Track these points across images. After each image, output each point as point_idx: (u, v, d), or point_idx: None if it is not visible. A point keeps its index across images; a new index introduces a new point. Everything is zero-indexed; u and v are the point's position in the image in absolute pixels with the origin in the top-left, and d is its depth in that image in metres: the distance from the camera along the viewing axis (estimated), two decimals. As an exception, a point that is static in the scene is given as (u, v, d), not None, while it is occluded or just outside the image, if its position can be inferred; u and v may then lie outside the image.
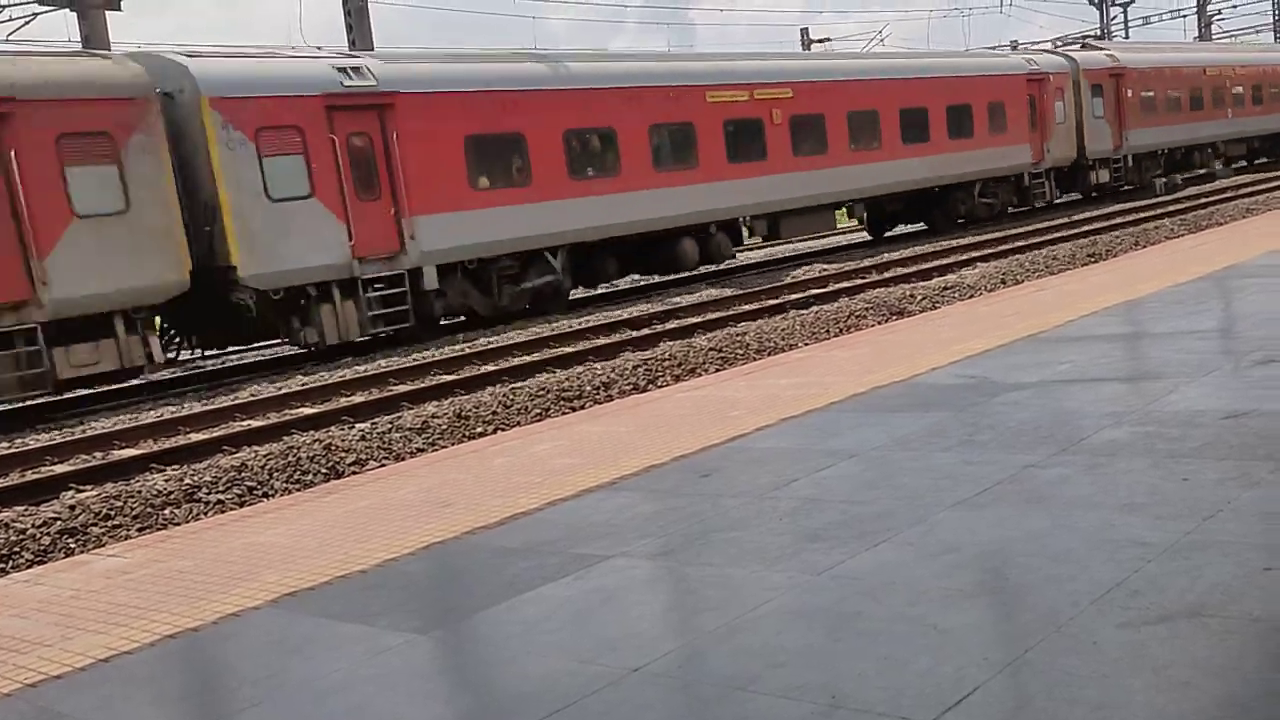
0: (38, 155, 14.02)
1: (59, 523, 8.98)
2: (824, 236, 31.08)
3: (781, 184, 23.22)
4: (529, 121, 19.21)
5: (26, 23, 24.44)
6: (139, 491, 9.60)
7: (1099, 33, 51.54)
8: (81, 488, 10.13)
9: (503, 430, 10.85)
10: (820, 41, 55.09)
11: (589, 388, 12.64)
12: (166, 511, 9.28)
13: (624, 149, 20.65)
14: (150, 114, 15.07)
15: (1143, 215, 26.95)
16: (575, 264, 20.34)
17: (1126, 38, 57.64)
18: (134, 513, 9.21)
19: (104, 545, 8.29)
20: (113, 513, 9.19)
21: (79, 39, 20.32)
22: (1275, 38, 68.96)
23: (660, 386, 12.32)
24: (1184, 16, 64.69)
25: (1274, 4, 67.75)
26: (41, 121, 14.09)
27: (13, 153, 13.79)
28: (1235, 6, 68.91)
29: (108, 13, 20.23)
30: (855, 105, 24.84)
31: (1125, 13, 59.36)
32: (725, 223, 22.62)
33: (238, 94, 15.83)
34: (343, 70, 17.12)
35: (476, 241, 18.48)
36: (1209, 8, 59.66)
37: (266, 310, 16.27)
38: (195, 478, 9.91)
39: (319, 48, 18.58)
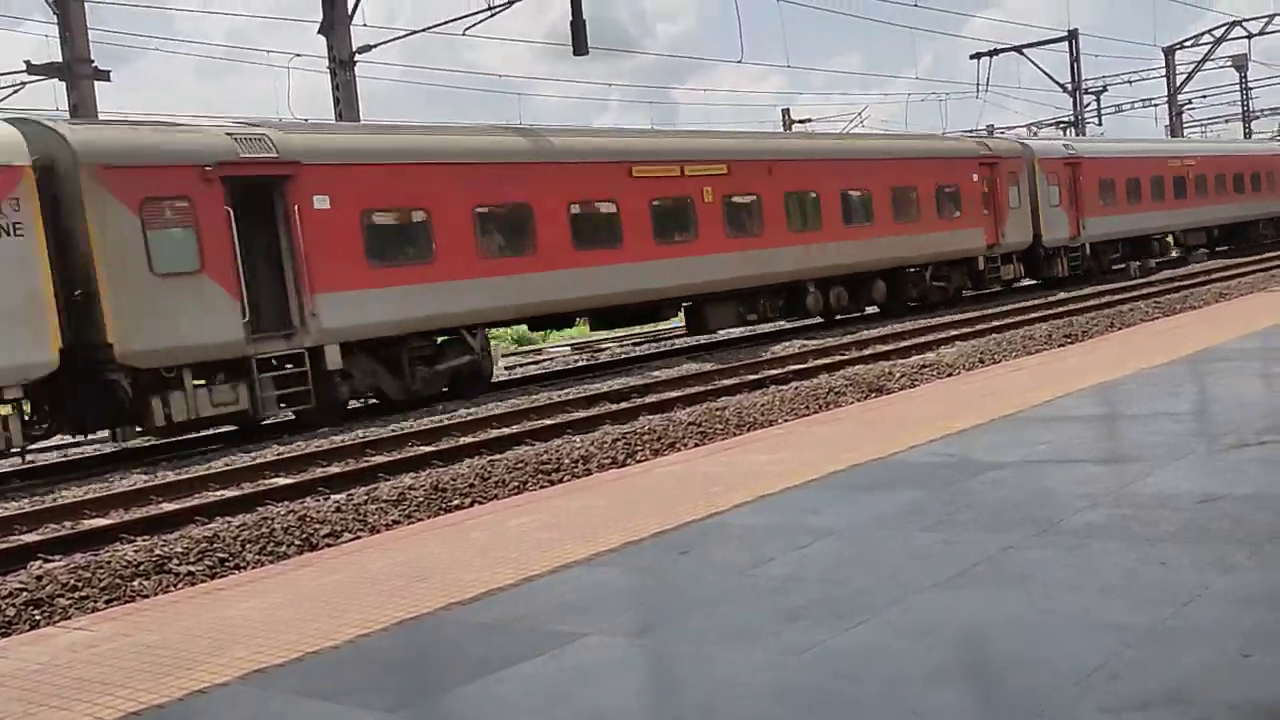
0: (1002, 181, 30.94)
1: (25, 594, 8.81)
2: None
3: (1190, 214, 40.57)
4: (1085, 174, 34.58)
5: (15, 91, 24.55)
6: (108, 562, 9.44)
7: (1072, 120, 52.58)
8: (50, 558, 9.97)
9: (480, 503, 10.77)
10: (801, 122, 55.99)
11: (568, 461, 12.58)
12: (136, 583, 9.12)
13: (1143, 190, 37.32)
14: (1023, 166, 31.57)
15: (1118, 297, 27.26)
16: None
17: (1099, 125, 58.85)
18: (102, 584, 9.05)
19: (70, 617, 8.13)
20: (80, 584, 9.02)
21: (66, 108, 20.45)
22: (1243, 129, 70.47)
23: (639, 461, 12.27)
24: (1155, 106, 65.90)
25: (1242, 96, 69.32)
26: (995, 168, 30.60)
27: (998, 180, 30.51)
28: (1205, 96, 70.31)
29: (96, 83, 20.39)
30: (1218, 170, 42.42)
31: (1098, 101, 60.48)
32: (1169, 233, 40.98)
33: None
34: (1065, 144, 35.67)
35: (1091, 234, 34.31)
36: (1179, 98, 60.95)
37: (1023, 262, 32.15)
38: (166, 548, 9.77)
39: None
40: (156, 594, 8.65)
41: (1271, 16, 54.95)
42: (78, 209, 14.66)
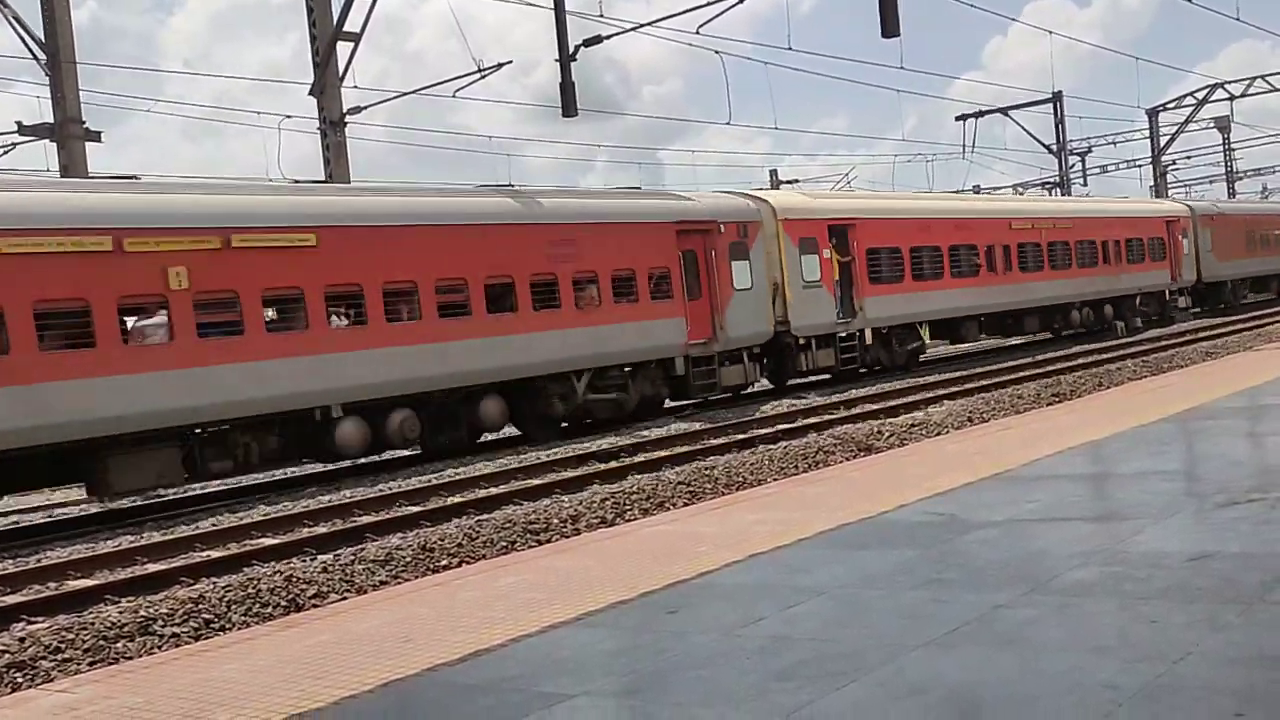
0: (1177, 233, 39.92)
1: (7, 656, 8.69)
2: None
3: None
4: (1225, 227, 43.65)
5: (6, 151, 24.68)
6: (92, 623, 9.34)
7: (1057, 181, 53.15)
8: (33, 619, 9.86)
9: (468, 563, 10.69)
10: (789, 182, 56.48)
11: (556, 521, 12.53)
12: (120, 645, 9.02)
13: (1255, 240, 46.52)
14: (1189, 223, 40.63)
15: (1105, 356, 27.38)
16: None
17: (1085, 185, 59.50)
18: (86, 646, 8.94)
19: (53, 680, 8.03)
20: (63, 645, 8.91)
21: (57, 168, 20.56)
22: (1227, 189, 71.30)
23: (628, 520, 12.22)
24: (1139, 166, 66.77)
25: (1225, 157, 70.20)
26: (1174, 224, 39.97)
27: (1175, 233, 39.80)
28: (1189, 157, 71.24)
29: (86, 144, 20.53)
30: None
31: (1083, 162, 61.18)
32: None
33: (1178, 216, 40.61)
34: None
35: (1232, 274, 43.52)
36: (1163, 159, 61.70)
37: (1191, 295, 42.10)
38: (151, 609, 9.67)
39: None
40: (141, 655, 8.55)
41: (1253, 79, 55.65)
42: (775, 244, 24.65)
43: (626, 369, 21.25)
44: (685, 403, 23.60)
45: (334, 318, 16.99)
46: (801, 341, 24.98)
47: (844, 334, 26.06)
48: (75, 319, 14.28)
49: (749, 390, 24.86)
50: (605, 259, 20.74)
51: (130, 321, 15.29)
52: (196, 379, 15.15)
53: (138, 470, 14.91)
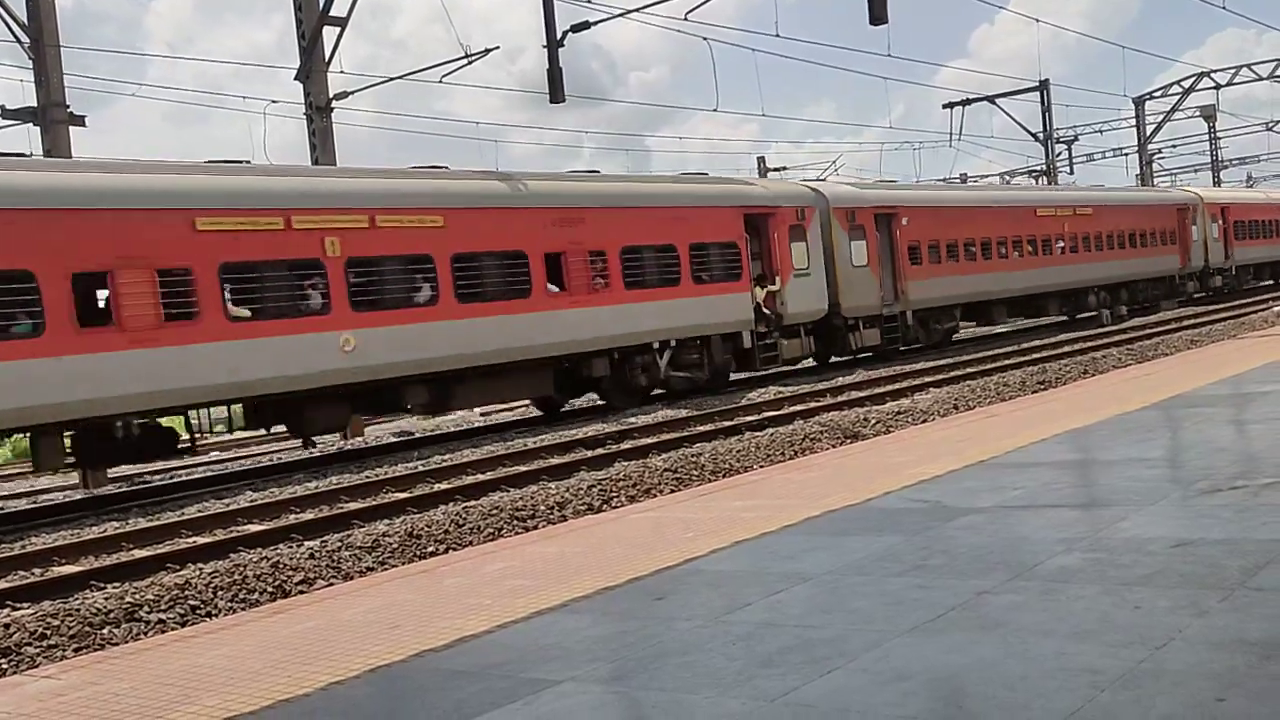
0: None
1: (-8, 641, 8.69)
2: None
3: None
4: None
5: (-11, 135, 24.54)
6: (77, 610, 9.32)
7: (1044, 169, 53.25)
8: (18, 605, 9.84)
9: (455, 549, 10.70)
10: (777, 170, 56.48)
11: (543, 507, 12.54)
12: (105, 631, 9.01)
13: None
14: None
15: (1091, 344, 27.49)
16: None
17: (1071, 174, 59.75)
18: (71, 632, 8.93)
19: (38, 666, 8.02)
20: (49, 631, 8.91)
21: (40, 151, 20.42)
22: (1213, 178, 71.52)
23: (615, 507, 12.24)
24: (1125, 155, 66.96)
25: (1210, 146, 70.41)
26: None
27: None
28: (1175, 146, 71.44)
29: (71, 128, 20.39)
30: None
31: (1070, 150, 61.31)
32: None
33: None
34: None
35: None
36: (1149, 147, 61.86)
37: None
38: (137, 596, 9.66)
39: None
40: (127, 642, 8.54)
41: (1239, 68, 55.84)
42: (1204, 218, 45.52)
43: (1148, 281, 40.71)
44: (1178, 299, 42.21)
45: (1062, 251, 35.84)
46: (1212, 270, 44.89)
47: (1228, 268, 45.85)
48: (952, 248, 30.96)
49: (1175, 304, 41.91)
50: (1151, 224, 40.90)
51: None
52: (1049, 274, 35.02)
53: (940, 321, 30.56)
